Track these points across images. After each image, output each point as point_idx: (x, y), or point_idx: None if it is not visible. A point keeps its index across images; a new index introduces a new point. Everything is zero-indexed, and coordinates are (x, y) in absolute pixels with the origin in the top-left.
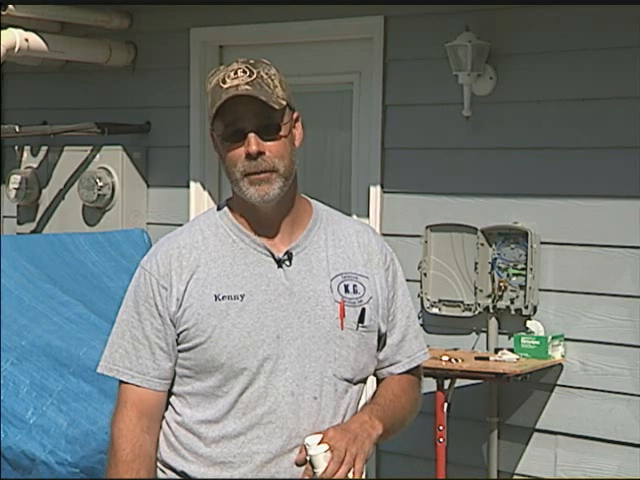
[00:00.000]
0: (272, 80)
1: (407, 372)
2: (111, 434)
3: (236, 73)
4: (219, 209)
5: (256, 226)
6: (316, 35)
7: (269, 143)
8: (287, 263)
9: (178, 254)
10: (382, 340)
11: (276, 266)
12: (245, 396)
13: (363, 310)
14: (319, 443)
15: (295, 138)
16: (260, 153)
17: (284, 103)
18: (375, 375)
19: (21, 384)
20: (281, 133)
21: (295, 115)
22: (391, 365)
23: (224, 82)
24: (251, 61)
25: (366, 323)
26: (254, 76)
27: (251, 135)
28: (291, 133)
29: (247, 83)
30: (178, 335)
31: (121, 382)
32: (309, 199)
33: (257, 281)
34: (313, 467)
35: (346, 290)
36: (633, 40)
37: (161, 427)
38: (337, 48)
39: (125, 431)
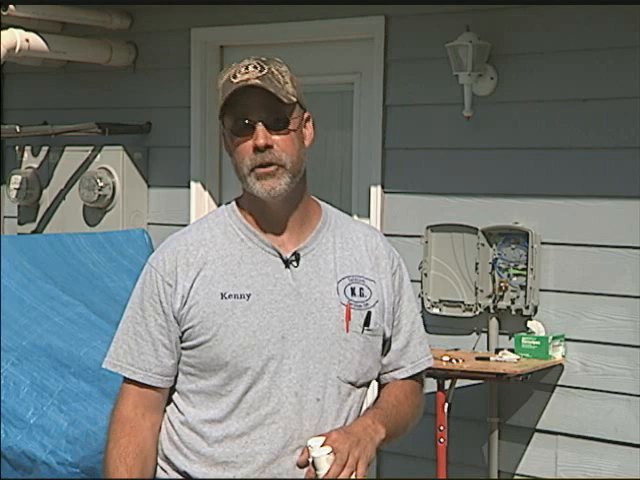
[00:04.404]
0: (283, 76)
1: (410, 377)
2: (108, 423)
3: (247, 68)
4: (228, 208)
5: (264, 224)
6: (317, 35)
7: (277, 137)
8: (294, 264)
9: (185, 251)
10: (386, 345)
11: (283, 266)
12: (249, 396)
13: (369, 313)
14: (322, 445)
15: (305, 137)
16: (267, 146)
17: (294, 99)
18: (378, 380)
19: (22, 384)
20: (290, 127)
21: (306, 115)
22: (395, 370)
23: (235, 77)
24: (263, 58)
25: (371, 327)
26: (265, 71)
27: (259, 128)
28: (301, 131)
29: (257, 77)
30: (183, 333)
31: (124, 377)
32: (318, 201)
33: (264, 281)
34: (315, 469)
35: (352, 293)
36: (633, 40)
37: (162, 422)
38: (338, 48)
39: (119, 416)
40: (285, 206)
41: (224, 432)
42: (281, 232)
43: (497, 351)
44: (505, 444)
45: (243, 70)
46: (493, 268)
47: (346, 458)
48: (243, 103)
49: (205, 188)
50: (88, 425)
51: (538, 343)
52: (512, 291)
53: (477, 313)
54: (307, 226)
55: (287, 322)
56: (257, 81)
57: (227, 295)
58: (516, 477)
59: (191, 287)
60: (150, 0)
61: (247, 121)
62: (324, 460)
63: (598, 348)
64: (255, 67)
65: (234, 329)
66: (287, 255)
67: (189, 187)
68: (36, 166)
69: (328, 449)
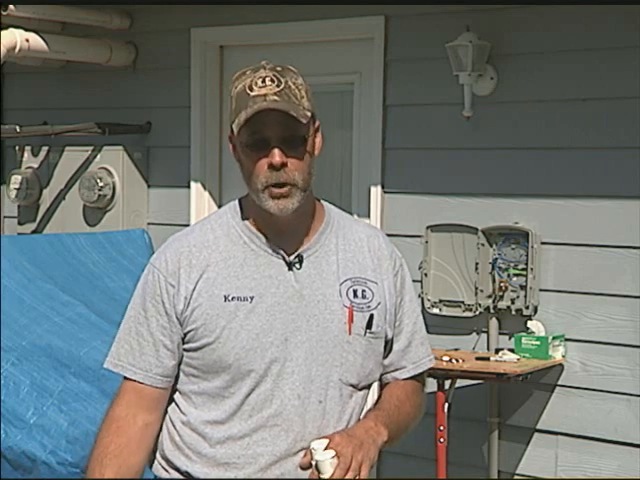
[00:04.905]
0: (299, 90)
1: (411, 377)
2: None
3: (264, 81)
4: (231, 209)
5: (268, 227)
6: (317, 35)
7: (292, 156)
8: (297, 266)
9: (188, 252)
10: (388, 345)
11: (286, 268)
12: (251, 398)
13: (371, 316)
14: (325, 448)
15: (315, 147)
16: (283, 165)
17: (309, 115)
18: (379, 379)
19: (22, 384)
20: (306, 147)
21: (317, 124)
22: (396, 370)
23: (251, 89)
24: (278, 68)
25: (374, 329)
26: (282, 86)
27: (275, 149)
28: (313, 143)
29: (275, 93)
30: (185, 334)
31: (124, 377)
32: (322, 202)
33: (267, 283)
34: (319, 472)
35: (355, 295)
36: (633, 40)
37: (160, 422)
38: (338, 48)
39: (110, 415)
40: (292, 215)
41: (226, 433)
42: (285, 235)
43: (497, 351)
44: (505, 444)
45: (260, 83)
46: (493, 268)
47: (349, 462)
48: (261, 121)
49: (205, 188)
50: (88, 425)
51: (538, 343)
52: (512, 291)
53: (477, 313)
54: (310, 228)
55: (290, 325)
56: (275, 97)
57: (230, 297)
58: (516, 477)
59: (194, 289)
60: (150, 0)
61: (263, 137)
62: (328, 464)
63: (598, 348)
64: (272, 80)
65: (237, 332)
66: (290, 257)
67: (189, 187)
68: (36, 166)
69: (332, 453)
